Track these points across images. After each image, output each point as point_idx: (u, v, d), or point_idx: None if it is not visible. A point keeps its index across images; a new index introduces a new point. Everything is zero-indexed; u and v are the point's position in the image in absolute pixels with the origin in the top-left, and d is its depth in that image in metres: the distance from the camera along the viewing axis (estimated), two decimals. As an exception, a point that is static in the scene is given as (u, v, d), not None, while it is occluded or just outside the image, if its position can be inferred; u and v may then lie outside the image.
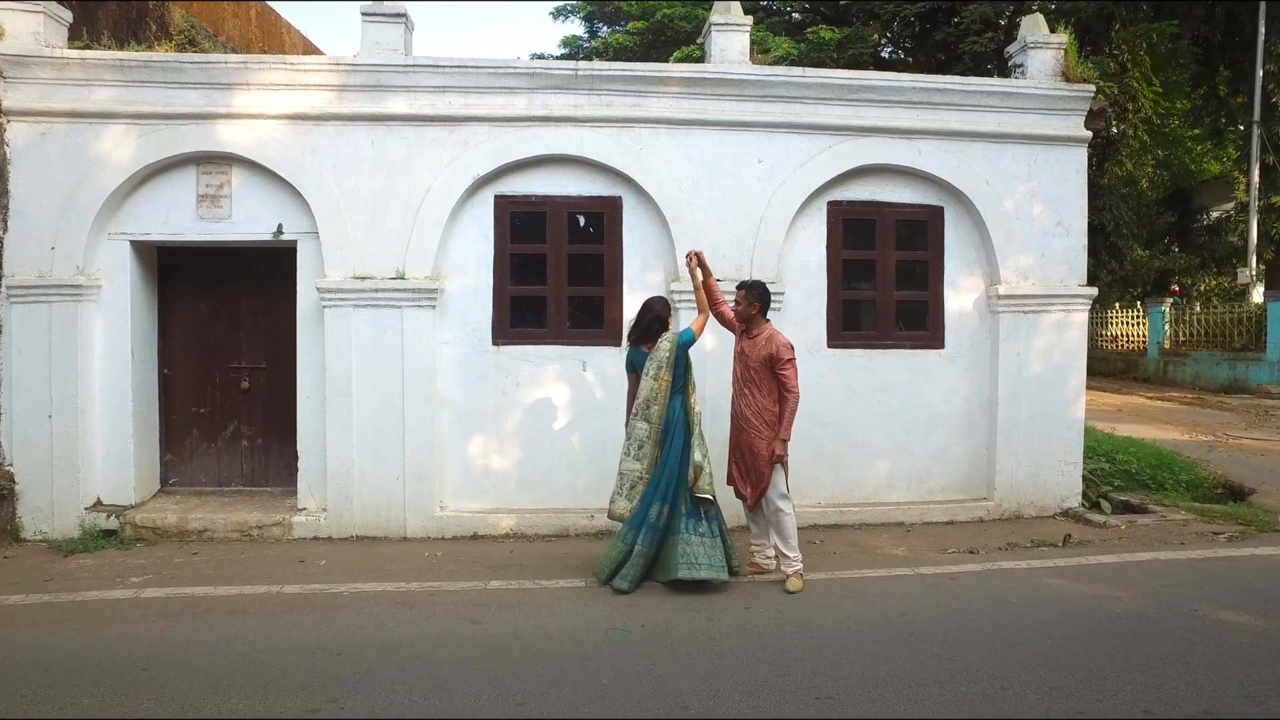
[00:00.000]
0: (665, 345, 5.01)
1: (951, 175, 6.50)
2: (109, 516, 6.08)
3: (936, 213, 6.67)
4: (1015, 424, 6.59)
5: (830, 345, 6.58)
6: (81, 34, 6.49)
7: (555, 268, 6.38)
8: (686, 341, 5.07)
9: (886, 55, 17.94)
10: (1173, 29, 14.59)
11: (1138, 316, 19.72)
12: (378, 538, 6.18)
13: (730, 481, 5.22)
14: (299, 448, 6.28)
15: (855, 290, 6.67)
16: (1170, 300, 18.86)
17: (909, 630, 4.27)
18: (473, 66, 6.11)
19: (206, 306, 6.69)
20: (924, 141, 6.48)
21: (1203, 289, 22.94)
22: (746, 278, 6.29)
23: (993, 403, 6.64)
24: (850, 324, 6.68)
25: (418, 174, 6.15)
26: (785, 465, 5.02)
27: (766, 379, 4.97)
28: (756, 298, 5.03)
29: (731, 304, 5.23)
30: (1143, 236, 21.12)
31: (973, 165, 6.53)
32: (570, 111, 6.18)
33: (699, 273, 5.20)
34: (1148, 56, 15.55)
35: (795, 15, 18.13)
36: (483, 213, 6.33)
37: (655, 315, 5.11)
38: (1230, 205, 22.35)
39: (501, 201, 6.33)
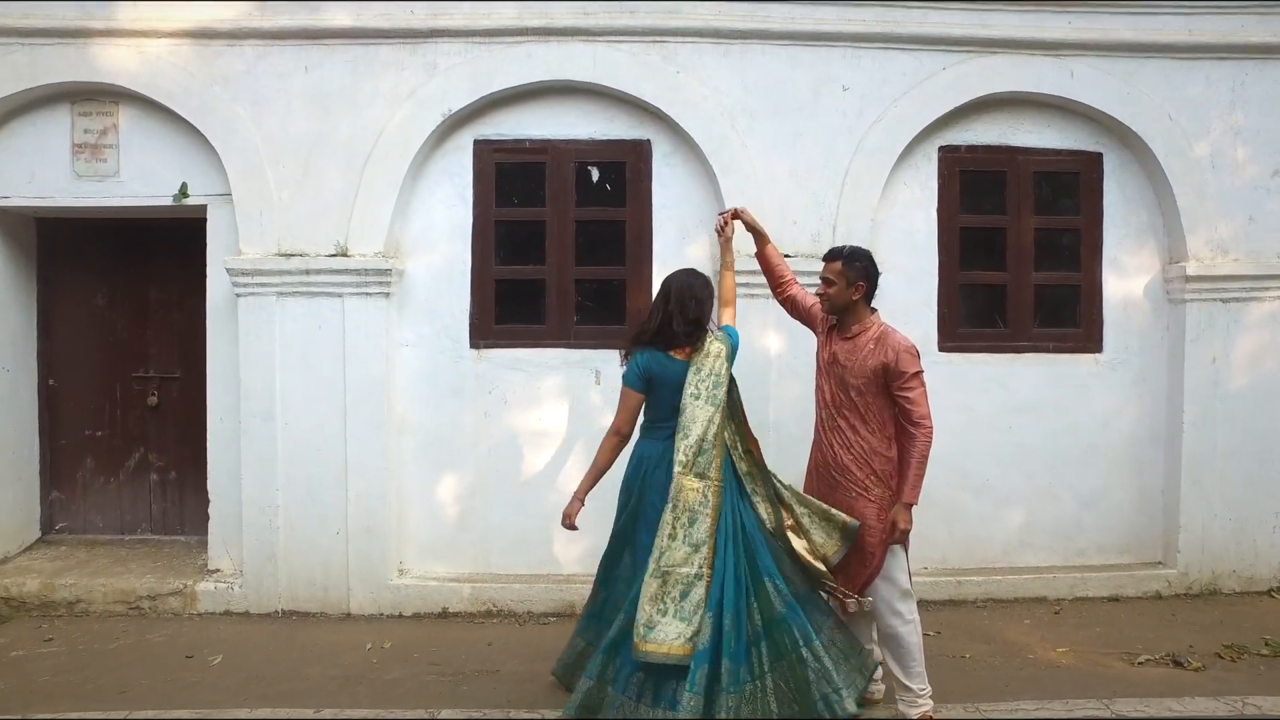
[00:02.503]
0: (718, 350, 3.22)
1: (1117, 107, 4.57)
2: (-51, 582, 4.47)
3: (1092, 162, 4.75)
4: (1208, 459, 4.63)
5: (943, 348, 4.70)
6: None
7: (558, 240, 4.60)
8: (736, 347, 3.29)
9: None
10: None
11: None
12: (311, 613, 4.47)
13: (809, 563, 3.38)
14: (209, 488, 4.60)
15: (977, 271, 4.77)
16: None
17: None
18: (442, -42, 4.38)
19: (104, 297, 5.06)
20: (1078, 60, 4.56)
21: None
22: (813, 252, 4.45)
23: (1174, 429, 4.69)
24: (970, 318, 4.78)
25: (367, 110, 4.43)
26: (906, 545, 3.18)
27: (876, 403, 3.13)
28: (860, 274, 3.19)
29: (811, 286, 3.44)
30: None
31: (1148, 93, 4.59)
32: (579, 21, 4.40)
33: (732, 242, 3.56)
34: None
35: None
36: (458, 164, 4.58)
37: (700, 300, 3.27)
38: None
39: (484, 148, 4.58)
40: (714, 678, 2.92)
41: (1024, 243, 4.71)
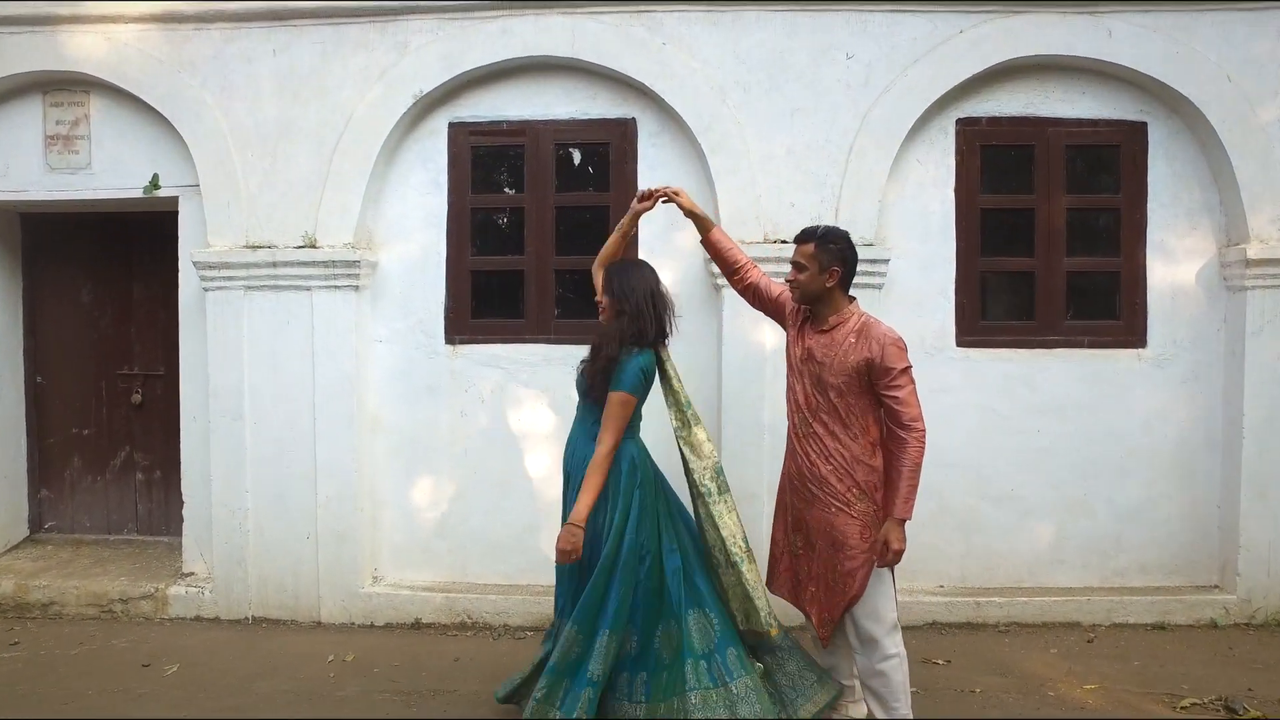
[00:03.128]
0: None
1: (1163, 69, 4.04)
2: (-73, 581, 4.43)
3: (1135, 133, 4.21)
4: (1274, 469, 4.06)
5: (961, 343, 4.24)
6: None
7: (538, 228, 4.30)
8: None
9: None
10: None
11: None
12: (281, 620, 4.28)
13: (777, 585, 3.00)
14: (183, 489, 4.46)
15: (1000, 257, 4.29)
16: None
17: None
18: (411, -70, 4.12)
19: (89, 294, 4.98)
20: (1116, 17, 4.04)
21: None
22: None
23: (1233, 434, 4.13)
24: (993, 310, 4.31)
25: (336, 93, 4.20)
26: (894, 570, 2.78)
27: (858, 405, 2.74)
28: (835, 258, 2.79)
29: (773, 272, 3.07)
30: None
31: (1202, 51, 4.04)
32: (555, -9, 4.09)
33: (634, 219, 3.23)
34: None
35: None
36: (432, 148, 4.32)
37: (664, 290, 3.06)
38: None
39: (459, 131, 4.31)
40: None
41: (1054, 225, 4.21)
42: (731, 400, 4.11)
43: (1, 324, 4.80)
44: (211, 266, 4.19)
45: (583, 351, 4.26)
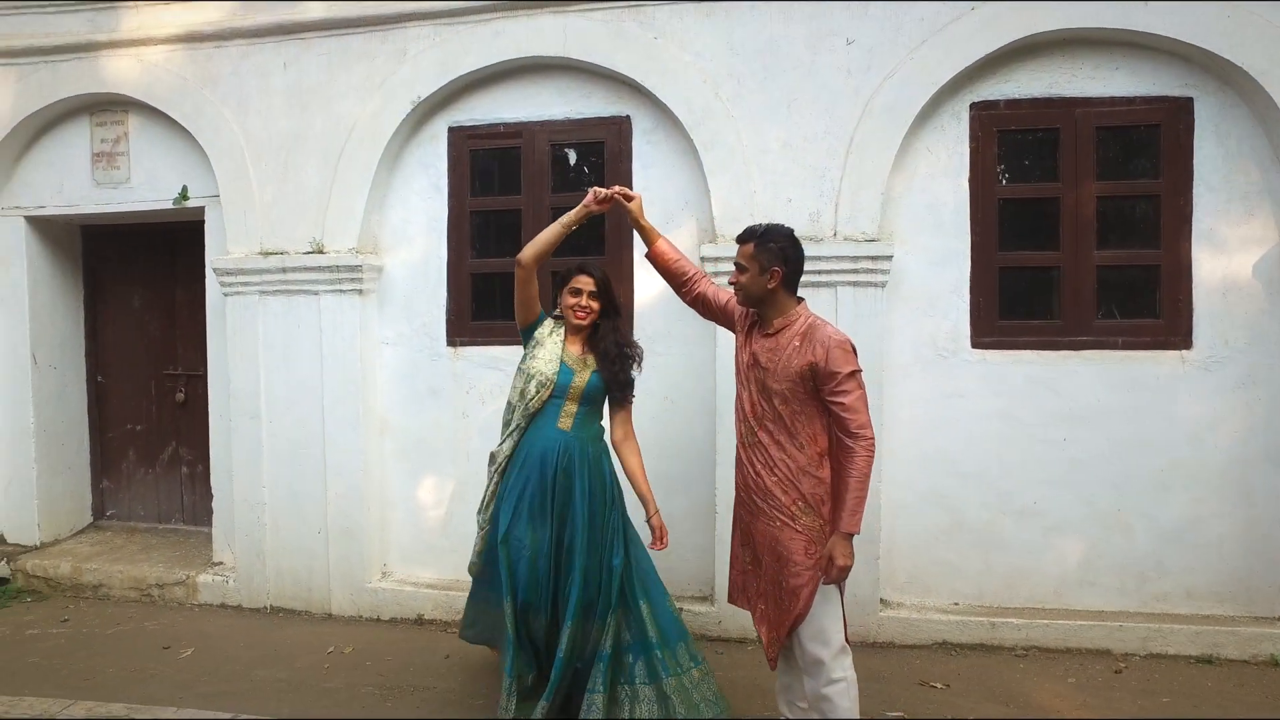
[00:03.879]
0: None
1: (1213, 38, 3.61)
2: (1, 560, 4.88)
3: (1178, 110, 3.79)
4: (1341, 488, 3.58)
5: (977, 344, 3.94)
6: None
7: (534, 229, 4.18)
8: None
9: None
10: None
11: None
12: (296, 611, 4.48)
13: (736, 599, 2.87)
14: (212, 483, 4.74)
15: (1021, 251, 3.96)
16: None
17: None
18: (409, -61, 4.18)
19: (139, 299, 5.35)
20: (1154, -18, 3.64)
21: None
22: (812, 234, 3.87)
23: (1293, 447, 3.67)
24: (1014, 308, 3.97)
25: (340, 103, 4.33)
26: (843, 587, 2.61)
27: (804, 413, 2.58)
28: (775, 258, 2.63)
29: (809, 279, 2.99)
30: None
31: (1260, 15, 3.59)
32: (546, -9, 4.06)
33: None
34: None
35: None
36: (433, 153, 4.39)
37: None
38: None
39: (458, 135, 4.36)
40: None
41: (1083, 215, 3.85)
42: (726, 403, 3.95)
43: (67, 328, 5.22)
44: (229, 273, 4.41)
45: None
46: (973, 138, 3.90)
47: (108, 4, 4.51)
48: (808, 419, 2.58)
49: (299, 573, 4.46)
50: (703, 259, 3.92)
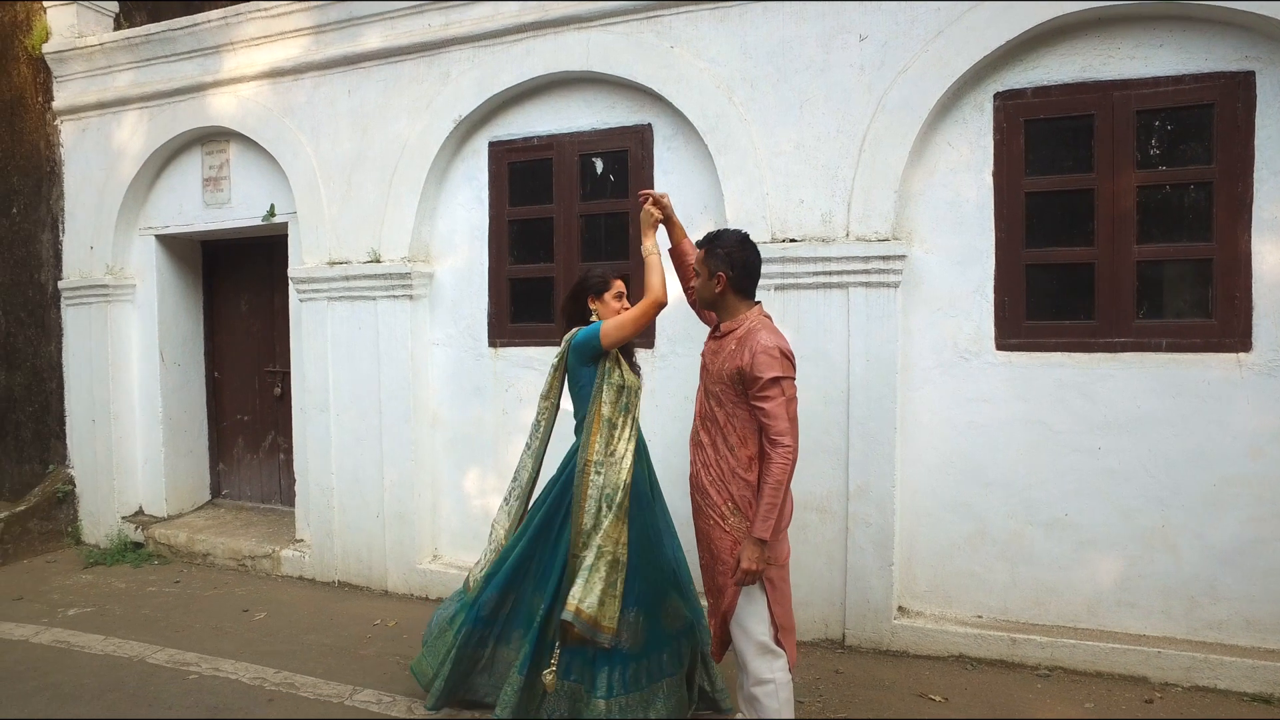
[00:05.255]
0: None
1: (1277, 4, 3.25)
2: (137, 529, 5.71)
3: (1236, 86, 3.43)
4: None
5: (1003, 346, 3.75)
6: (135, 19, 6.18)
7: (565, 236, 4.51)
8: (581, 342, 2.98)
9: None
10: None
11: None
12: (359, 586, 4.95)
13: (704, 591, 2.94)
14: (295, 468, 5.32)
15: (1051, 248, 3.72)
16: None
17: None
18: (450, -30, 4.51)
19: (246, 303, 6.06)
20: (1201, -51, 3.32)
21: None
22: (824, 235, 3.84)
23: (1372, 463, 3.24)
24: (1042, 308, 3.74)
25: (393, 124, 4.74)
26: (773, 590, 2.62)
27: (738, 415, 2.62)
28: (721, 263, 2.68)
29: (819, 277, 3.09)
30: None
31: (1321, -23, 3.20)
32: (570, 9, 4.25)
33: (652, 229, 3.03)
34: None
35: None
36: (475, 167, 4.71)
37: (570, 295, 3.21)
38: None
39: (497, 149, 4.65)
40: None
41: (1121, 207, 3.57)
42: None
43: (190, 329, 6.01)
44: (303, 281, 4.93)
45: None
46: (997, 129, 3.72)
47: (213, 50, 5.17)
48: (740, 422, 2.62)
49: (360, 551, 4.92)
50: (716, 261, 3.97)
